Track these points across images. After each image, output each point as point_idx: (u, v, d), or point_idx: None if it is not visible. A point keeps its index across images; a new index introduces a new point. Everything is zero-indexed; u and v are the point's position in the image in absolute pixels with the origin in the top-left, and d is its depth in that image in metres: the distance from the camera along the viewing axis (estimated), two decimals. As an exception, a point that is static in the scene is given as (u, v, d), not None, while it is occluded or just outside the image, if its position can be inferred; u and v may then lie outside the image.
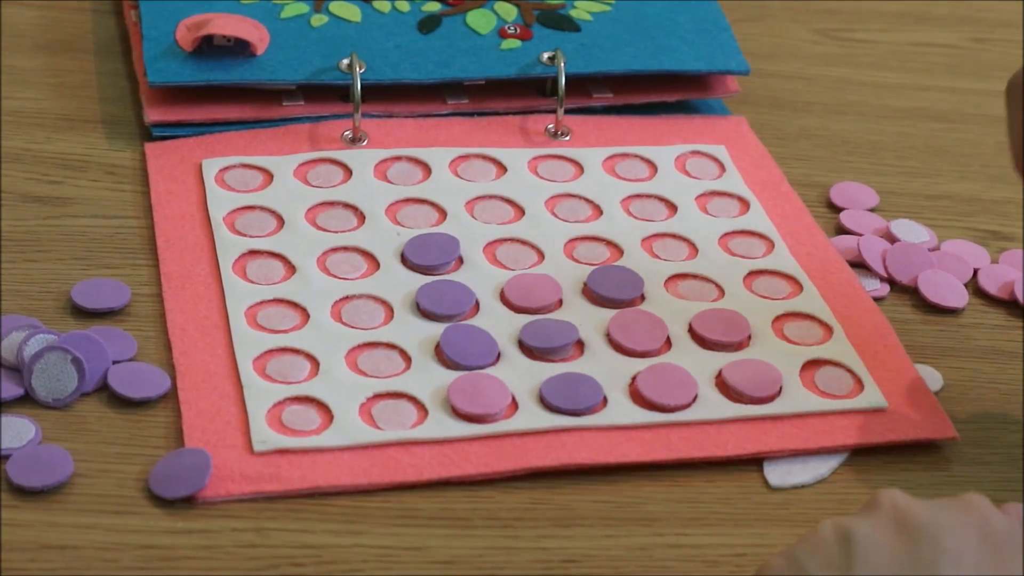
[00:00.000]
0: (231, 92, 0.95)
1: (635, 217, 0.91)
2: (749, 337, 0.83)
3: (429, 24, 0.99)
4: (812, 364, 0.82)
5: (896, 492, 0.62)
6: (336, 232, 0.88)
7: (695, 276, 0.87)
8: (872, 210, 0.95)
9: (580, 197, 0.92)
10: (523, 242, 0.88)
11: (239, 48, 0.95)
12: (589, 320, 0.83)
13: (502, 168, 0.93)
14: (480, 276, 0.85)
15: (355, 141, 0.94)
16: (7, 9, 1.03)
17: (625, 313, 0.83)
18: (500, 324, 0.82)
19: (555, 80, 0.96)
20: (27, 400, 0.76)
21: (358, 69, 0.94)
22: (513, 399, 0.78)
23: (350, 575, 0.70)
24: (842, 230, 0.93)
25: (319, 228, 0.88)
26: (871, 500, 0.62)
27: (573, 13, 1.01)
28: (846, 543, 0.60)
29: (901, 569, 0.59)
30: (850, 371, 0.81)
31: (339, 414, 0.76)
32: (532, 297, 0.84)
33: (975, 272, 0.91)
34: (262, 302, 0.82)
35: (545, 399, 0.78)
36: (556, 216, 0.90)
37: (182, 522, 0.71)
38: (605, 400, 0.78)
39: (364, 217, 0.89)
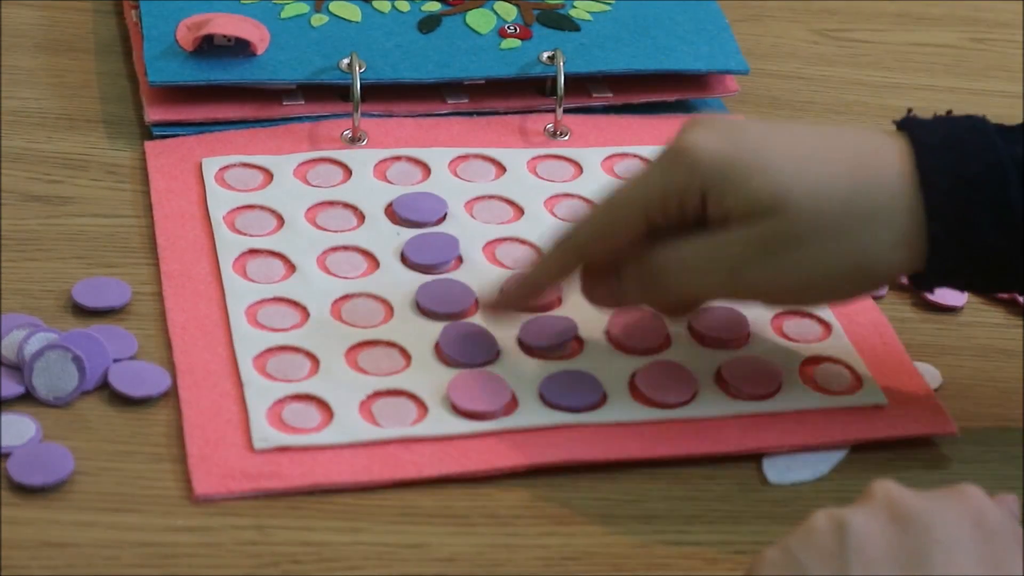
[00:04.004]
0: (231, 91, 0.95)
1: (635, 217, 0.91)
2: (748, 334, 0.83)
3: (429, 24, 1.00)
4: (811, 361, 0.82)
5: (890, 483, 0.62)
6: (336, 232, 0.88)
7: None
8: (871, 209, 0.95)
9: (579, 197, 0.92)
10: (522, 242, 0.88)
11: (239, 48, 0.95)
12: (588, 317, 0.83)
13: (501, 168, 0.94)
14: (479, 275, 0.85)
15: (355, 140, 0.94)
16: (7, 9, 1.03)
17: (624, 311, 0.83)
18: (499, 322, 0.82)
19: (555, 80, 0.97)
20: (28, 398, 0.76)
21: (358, 69, 0.94)
22: (513, 396, 0.78)
23: (350, 573, 0.70)
24: (841, 229, 0.93)
25: (319, 227, 0.88)
26: (865, 491, 0.63)
27: (573, 13, 1.01)
28: (840, 532, 0.60)
29: (895, 558, 0.59)
30: (849, 368, 0.82)
31: (339, 411, 0.76)
32: (532, 295, 0.84)
33: (974, 271, 0.91)
34: (262, 300, 0.83)
35: (544, 396, 0.78)
36: (555, 216, 0.91)
37: (183, 520, 0.71)
38: (604, 397, 0.79)
39: (364, 217, 0.89)
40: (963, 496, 0.62)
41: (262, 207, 0.89)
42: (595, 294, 0.79)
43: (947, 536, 0.60)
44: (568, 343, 0.82)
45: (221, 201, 0.89)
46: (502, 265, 0.86)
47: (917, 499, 0.61)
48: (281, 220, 0.88)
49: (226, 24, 0.95)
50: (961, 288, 0.82)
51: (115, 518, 0.71)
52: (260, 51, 0.95)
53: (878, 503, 0.61)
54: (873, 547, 0.60)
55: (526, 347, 0.81)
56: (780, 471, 0.77)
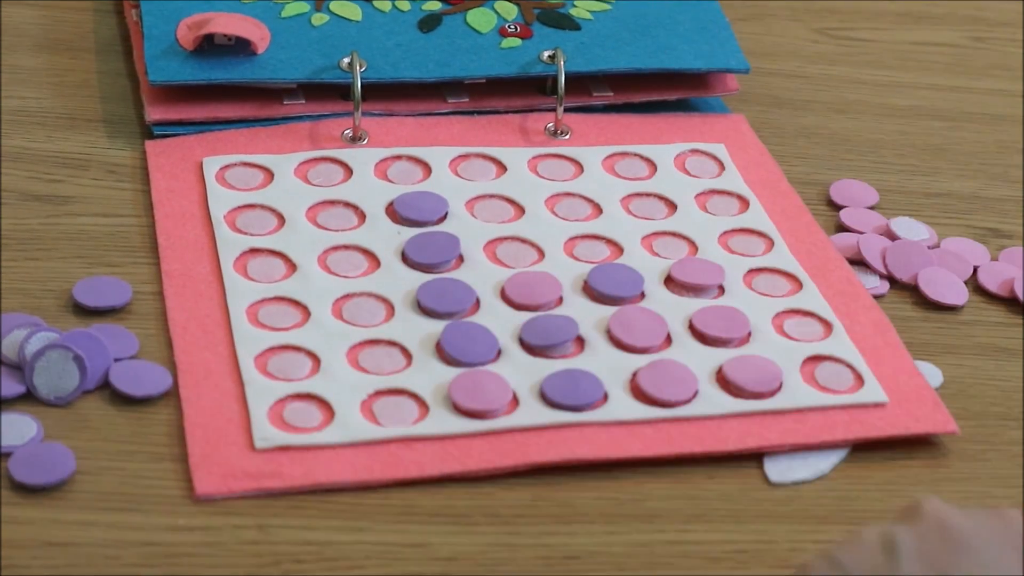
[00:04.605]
0: (232, 91, 0.95)
1: (635, 216, 0.91)
2: (749, 334, 0.83)
3: (429, 23, 1.00)
4: (812, 360, 0.82)
5: (937, 501, 0.63)
6: (337, 231, 0.88)
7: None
8: (872, 208, 0.95)
9: (580, 196, 0.92)
10: (523, 240, 0.88)
11: (240, 47, 0.95)
12: (589, 317, 0.83)
13: (502, 167, 0.94)
14: (480, 274, 0.85)
15: (355, 140, 0.94)
16: (8, 9, 1.03)
17: (625, 310, 0.83)
18: (500, 321, 0.82)
19: (555, 79, 0.97)
20: (29, 398, 0.76)
21: (358, 68, 0.94)
22: (514, 395, 0.78)
23: (352, 572, 0.70)
24: (842, 228, 0.93)
25: (319, 227, 0.88)
26: (912, 508, 0.63)
27: (573, 12, 1.01)
28: (890, 550, 0.60)
29: None
30: (850, 367, 0.82)
31: (340, 411, 0.76)
32: (532, 295, 0.84)
33: (975, 270, 0.91)
34: (263, 300, 0.83)
35: (546, 395, 0.78)
36: (556, 215, 0.91)
37: (184, 519, 0.71)
38: (606, 396, 0.79)
39: (364, 216, 0.89)
40: (1007, 519, 0.62)
41: (263, 206, 0.89)
42: None
43: (994, 561, 0.60)
44: (569, 342, 0.82)
45: (222, 200, 0.89)
46: (503, 264, 0.86)
47: (965, 520, 0.62)
48: (282, 219, 0.88)
49: (227, 23, 0.95)
50: None
51: (116, 518, 0.71)
52: (261, 50, 0.95)
53: (927, 523, 0.62)
54: (922, 567, 0.60)
55: (527, 346, 0.81)
56: (781, 470, 0.77)
